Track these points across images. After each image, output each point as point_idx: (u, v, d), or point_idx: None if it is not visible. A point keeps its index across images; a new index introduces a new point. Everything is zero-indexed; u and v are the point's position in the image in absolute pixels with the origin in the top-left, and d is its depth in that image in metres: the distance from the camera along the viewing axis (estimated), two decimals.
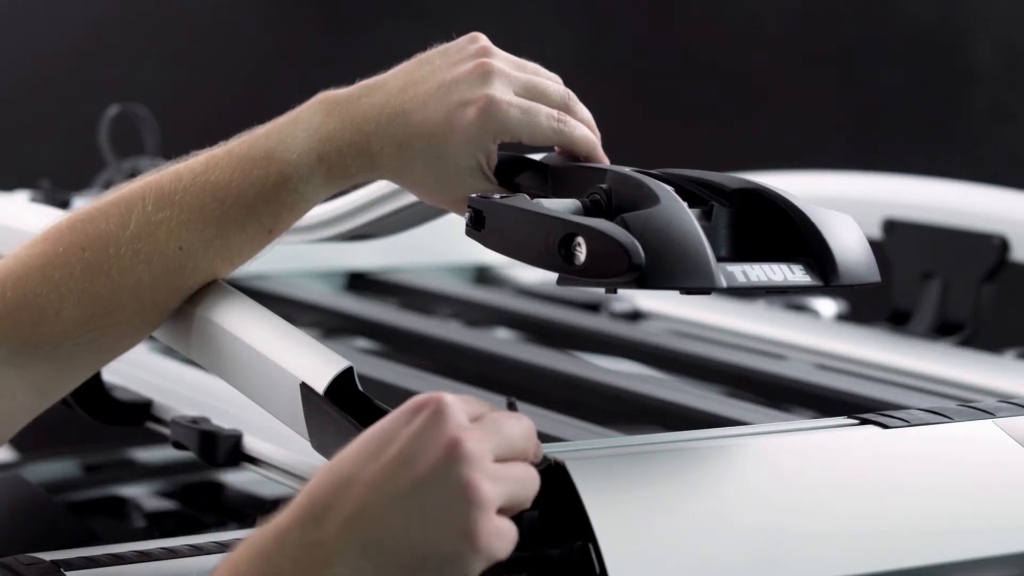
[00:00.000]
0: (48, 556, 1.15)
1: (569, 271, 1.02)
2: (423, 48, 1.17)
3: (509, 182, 1.16)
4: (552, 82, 1.18)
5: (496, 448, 0.95)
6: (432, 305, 2.02)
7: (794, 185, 2.03)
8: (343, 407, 1.08)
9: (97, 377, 1.41)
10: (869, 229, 1.90)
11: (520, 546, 1.03)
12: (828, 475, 1.07)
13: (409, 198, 1.40)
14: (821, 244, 1.05)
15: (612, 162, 1.16)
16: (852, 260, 1.06)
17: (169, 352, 1.54)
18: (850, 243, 1.07)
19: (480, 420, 0.96)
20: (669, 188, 1.05)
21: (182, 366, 1.55)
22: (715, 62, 3.37)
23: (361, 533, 0.93)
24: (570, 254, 1.01)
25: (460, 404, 0.95)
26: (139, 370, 1.52)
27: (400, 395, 1.59)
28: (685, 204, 1.04)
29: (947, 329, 1.83)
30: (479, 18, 3.38)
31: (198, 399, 1.42)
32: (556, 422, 1.46)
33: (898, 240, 1.89)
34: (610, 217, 1.05)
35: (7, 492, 1.53)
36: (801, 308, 2.05)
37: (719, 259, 1.03)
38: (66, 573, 1.13)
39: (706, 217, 1.06)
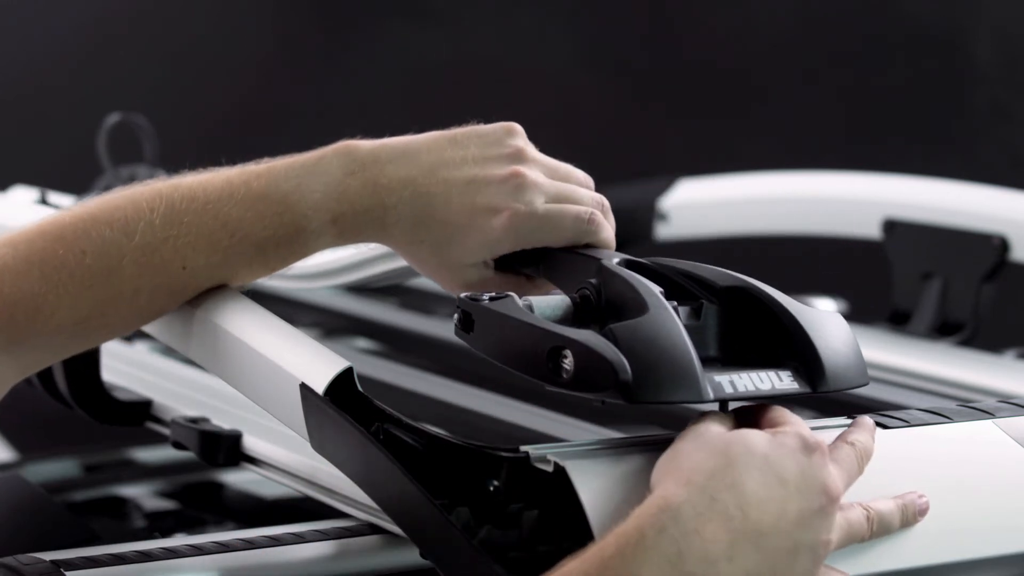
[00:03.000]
0: (48, 556, 1.15)
1: (556, 383, 1.02)
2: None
3: (504, 262, 1.16)
4: (584, 187, 1.18)
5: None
6: (432, 305, 2.02)
7: (794, 185, 2.04)
8: (343, 407, 1.08)
9: (97, 377, 1.41)
10: (869, 229, 1.90)
11: (520, 546, 1.03)
12: None
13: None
14: (809, 349, 1.05)
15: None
16: (840, 365, 1.06)
17: (169, 352, 1.54)
18: (839, 346, 1.06)
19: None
20: (658, 292, 1.05)
21: (182, 366, 1.54)
22: (714, 62, 3.37)
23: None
24: (557, 366, 1.01)
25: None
26: (139, 370, 1.52)
27: (400, 395, 1.60)
28: (673, 307, 1.04)
29: (947, 329, 1.83)
30: (479, 18, 3.38)
31: (198, 399, 1.42)
32: (556, 422, 1.46)
33: (898, 240, 1.89)
34: (599, 315, 1.06)
35: (7, 492, 1.53)
36: None
37: (707, 359, 1.03)
38: (66, 573, 1.13)
39: (695, 315, 1.06)
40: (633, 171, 2.25)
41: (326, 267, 1.37)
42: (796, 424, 1.03)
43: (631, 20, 3.41)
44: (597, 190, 1.19)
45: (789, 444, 1.01)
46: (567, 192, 1.16)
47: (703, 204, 2.06)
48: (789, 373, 1.05)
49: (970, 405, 1.17)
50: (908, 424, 1.13)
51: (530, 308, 1.06)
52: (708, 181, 2.09)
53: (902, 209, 1.89)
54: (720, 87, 3.37)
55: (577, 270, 1.12)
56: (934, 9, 3.23)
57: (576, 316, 1.08)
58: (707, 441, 1.01)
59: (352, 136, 1.17)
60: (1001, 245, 1.80)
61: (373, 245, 1.21)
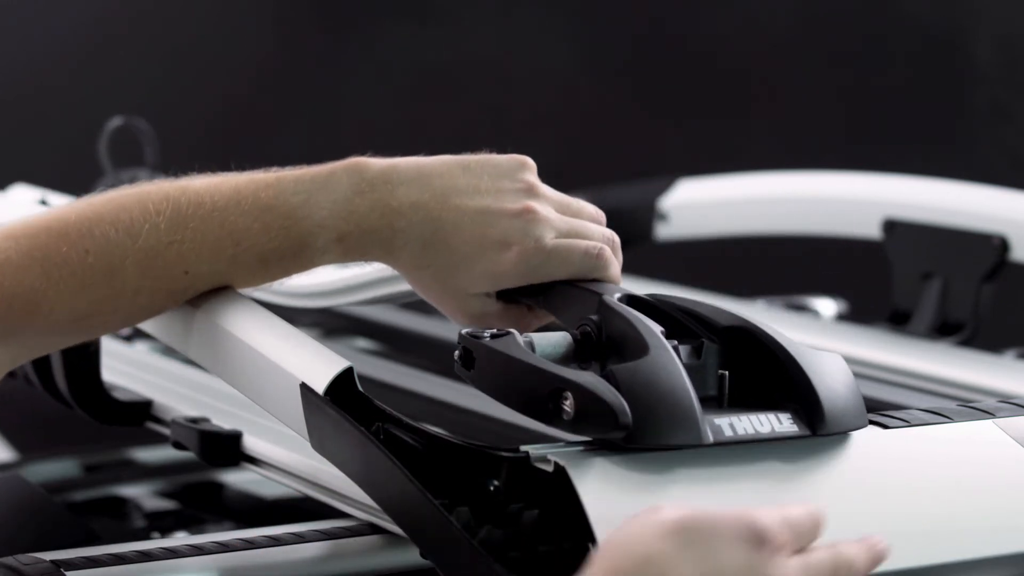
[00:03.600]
0: (48, 556, 1.15)
1: (556, 424, 1.02)
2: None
3: (506, 291, 1.16)
4: (595, 223, 1.17)
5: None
6: (432, 305, 2.02)
7: (794, 185, 2.04)
8: (343, 407, 1.08)
9: (97, 377, 1.41)
10: (869, 229, 1.90)
11: (520, 546, 1.03)
12: (827, 476, 1.07)
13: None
14: (808, 391, 1.05)
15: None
16: (839, 407, 1.06)
17: (169, 352, 1.54)
18: (838, 388, 1.07)
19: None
20: (658, 331, 1.06)
21: (182, 366, 1.54)
22: (715, 61, 3.37)
23: None
24: (558, 408, 1.02)
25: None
26: (139, 370, 1.52)
27: (400, 395, 1.59)
28: (674, 346, 1.05)
29: (947, 329, 1.83)
30: (479, 18, 3.38)
31: (198, 399, 1.42)
32: None
33: (898, 240, 1.89)
34: (600, 352, 1.07)
35: (7, 492, 1.53)
36: (801, 308, 2.05)
37: (707, 399, 1.04)
38: (66, 573, 1.13)
39: (696, 354, 1.07)
40: (633, 171, 2.25)
41: (327, 287, 1.37)
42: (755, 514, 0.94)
43: (631, 20, 3.41)
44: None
45: (737, 536, 0.92)
46: (577, 228, 1.16)
47: (703, 204, 2.06)
48: (789, 415, 1.05)
49: (970, 405, 1.17)
50: (908, 424, 1.13)
51: (531, 346, 1.07)
52: (708, 181, 2.09)
53: (902, 209, 1.89)
54: (720, 87, 3.37)
55: (578, 304, 1.12)
56: (934, 9, 3.24)
57: (577, 353, 1.09)
58: (650, 524, 0.93)
59: (361, 151, 1.17)
60: (1001, 245, 1.80)
61: (377, 265, 1.22)
